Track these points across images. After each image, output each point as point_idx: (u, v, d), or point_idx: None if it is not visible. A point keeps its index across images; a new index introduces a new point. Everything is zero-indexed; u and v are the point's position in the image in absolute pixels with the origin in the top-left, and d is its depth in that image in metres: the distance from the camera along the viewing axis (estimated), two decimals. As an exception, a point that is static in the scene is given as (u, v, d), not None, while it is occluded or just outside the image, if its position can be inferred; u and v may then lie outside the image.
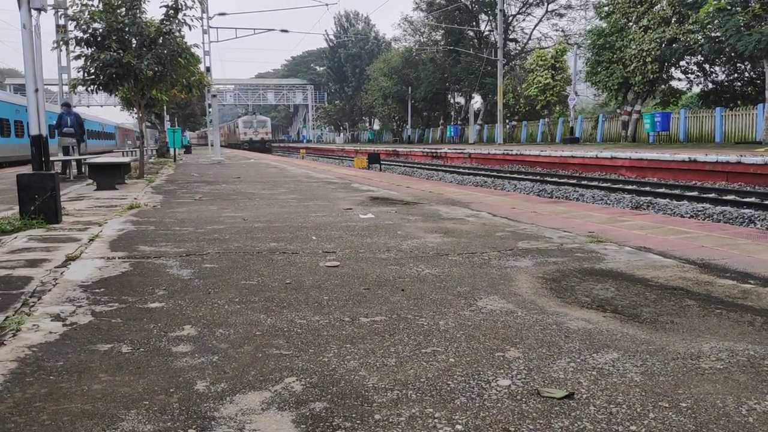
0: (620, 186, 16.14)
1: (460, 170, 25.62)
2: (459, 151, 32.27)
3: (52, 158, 9.55)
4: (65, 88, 21.24)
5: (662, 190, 15.01)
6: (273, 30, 34.66)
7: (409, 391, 2.29)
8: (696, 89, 35.43)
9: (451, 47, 50.63)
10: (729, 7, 23.82)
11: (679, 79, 34.39)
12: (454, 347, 2.76)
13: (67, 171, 16.45)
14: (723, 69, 32.61)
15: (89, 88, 14.64)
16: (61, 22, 14.82)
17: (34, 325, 3.17)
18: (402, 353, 2.70)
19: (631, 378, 2.39)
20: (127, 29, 13.90)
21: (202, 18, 26.99)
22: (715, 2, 23.64)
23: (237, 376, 2.46)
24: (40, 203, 6.81)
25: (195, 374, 2.49)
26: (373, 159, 29.81)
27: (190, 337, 2.97)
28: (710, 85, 33.54)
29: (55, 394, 2.31)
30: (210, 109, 30.79)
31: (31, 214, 6.78)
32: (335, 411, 2.14)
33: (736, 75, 32.49)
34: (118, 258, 4.91)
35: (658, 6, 30.02)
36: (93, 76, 14.19)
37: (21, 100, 28.31)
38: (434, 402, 2.20)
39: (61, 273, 4.37)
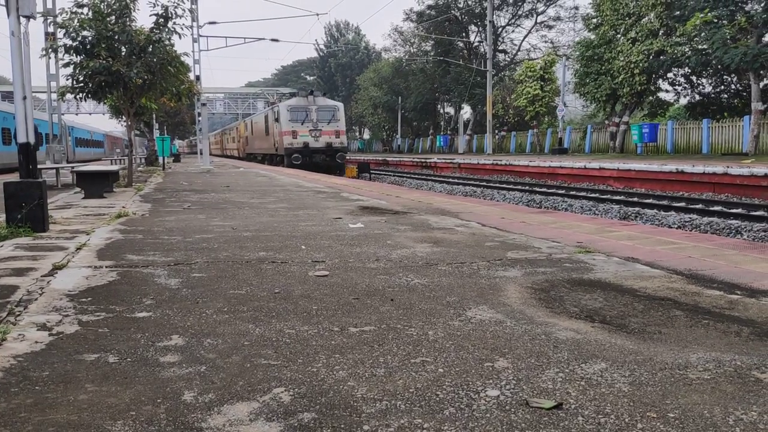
0: (608, 197, 16.24)
1: (450, 180, 25.68)
2: (448, 160, 32.36)
3: (40, 166, 9.50)
4: (53, 96, 21.16)
5: (650, 200, 15.11)
6: (263, 39, 34.71)
7: (397, 402, 2.29)
8: (683, 101, 35.81)
9: (441, 58, 50.90)
10: (715, 21, 24.11)
11: (667, 91, 34.78)
12: (443, 357, 2.76)
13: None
14: (710, 81, 33.01)
15: (78, 96, 14.60)
16: (50, 29, 14.77)
17: (19, 334, 3.14)
18: (391, 363, 2.69)
19: (619, 388, 2.40)
20: (116, 37, 13.89)
21: (192, 27, 27.00)
22: (701, 15, 23.92)
23: (225, 387, 2.45)
24: (27, 211, 6.76)
25: (182, 384, 2.47)
26: (363, 168, 29.86)
27: (177, 347, 2.95)
28: (697, 97, 33.91)
29: (41, 405, 2.29)
30: (199, 118, 30.72)
31: (17, 222, 6.73)
32: (324, 422, 2.13)
33: (722, 87, 32.88)
34: (106, 267, 4.87)
35: (646, 18, 30.34)
36: (82, 84, 14.15)
37: (8, 107, 28.14)
38: (423, 413, 2.20)
39: (48, 282, 4.34)
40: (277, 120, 30.73)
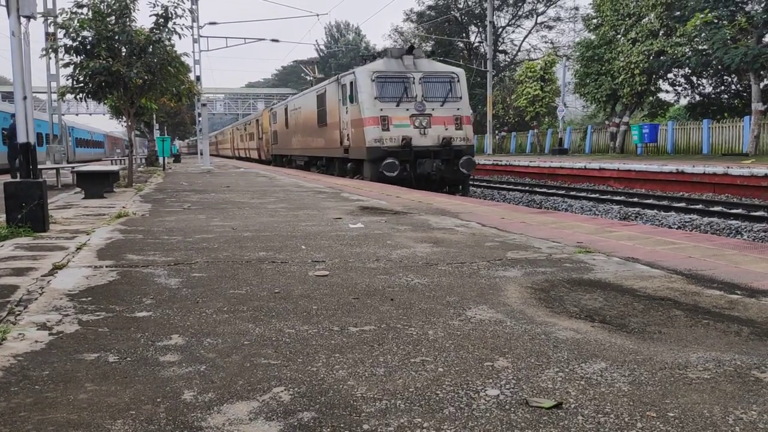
0: (608, 197, 16.24)
1: (450, 180, 25.64)
2: (449, 161, 32.27)
3: (40, 167, 9.49)
4: (54, 96, 21.17)
5: (650, 201, 15.12)
6: (263, 39, 34.73)
7: (397, 401, 2.29)
8: (683, 101, 35.83)
9: (441, 58, 50.84)
10: (716, 21, 24.12)
11: (667, 91, 34.79)
12: (443, 357, 2.76)
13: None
14: (710, 81, 33.04)
15: (78, 96, 14.60)
16: (51, 29, 14.79)
17: (19, 334, 3.14)
18: (391, 363, 2.69)
19: (619, 388, 2.40)
20: (116, 37, 13.89)
21: (192, 27, 27.04)
22: (702, 16, 23.93)
23: (225, 386, 2.45)
24: (27, 211, 6.76)
25: (182, 384, 2.47)
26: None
27: (177, 346, 2.95)
28: (697, 98, 33.94)
29: (41, 404, 2.29)
30: (199, 118, 30.75)
31: (18, 222, 6.73)
32: (323, 421, 2.13)
33: (722, 87, 32.91)
34: (106, 267, 4.88)
35: (646, 19, 30.35)
36: (82, 84, 14.16)
37: (8, 107, 28.16)
38: (423, 412, 2.20)
39: (48, 282, 4.34)
40: (350, 98, 17.50)
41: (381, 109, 16.17)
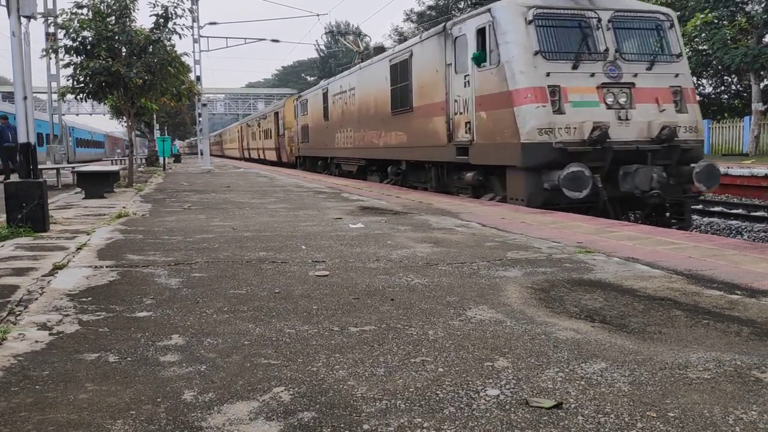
0: (609, 197, 16.20)
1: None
2: (449, 161, 32.20)
3: (40, 167, 9.49)
4: (54, 96, 21.17)
5: (650, 201, 15.09)
6: (264, 40, 34.70)
7: (397, 401, 2.29)
8: (683, 101, 35.80)
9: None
10: (716, 21, 24.13)
11: (667, 92, 34.72)
12: (443, 357, 2.76)
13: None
14: (710, 82, 33.06)
15: (78, 97, 14.63)
16: (51, 30, 14.81)
17: (20, 334, 3.14)
18: (391, 363, 2.69)
19: (619, 388, 2.39)
20: (116, 38, 13.91)
21: (192, 27, 27.04)
22: (702, 16, 23.94)
23: (225, 386, 2.45)
24: (27, 211, 6.76)
25: (182, 384, 2.47)
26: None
27: (177, 346, 2.95)
28: (697, 98, 33.92)
29: (41, 404, 2.29)
30: (200, 118, 30.76)
31: (18, 222, 6.73)
32: (324, 421, 2.13)
33: (723, 88, 32.93)
34: (106, 267, 4.88)
35: (646, 19, 30.32)
36: (82, 85, 14.19)
37: (9, 108, 28.17)
38: (423, 412, 2.20)
39: (48, 282, 4.34)
40: (476, 59, 10.19)
41: (548, 74, 9.20)
